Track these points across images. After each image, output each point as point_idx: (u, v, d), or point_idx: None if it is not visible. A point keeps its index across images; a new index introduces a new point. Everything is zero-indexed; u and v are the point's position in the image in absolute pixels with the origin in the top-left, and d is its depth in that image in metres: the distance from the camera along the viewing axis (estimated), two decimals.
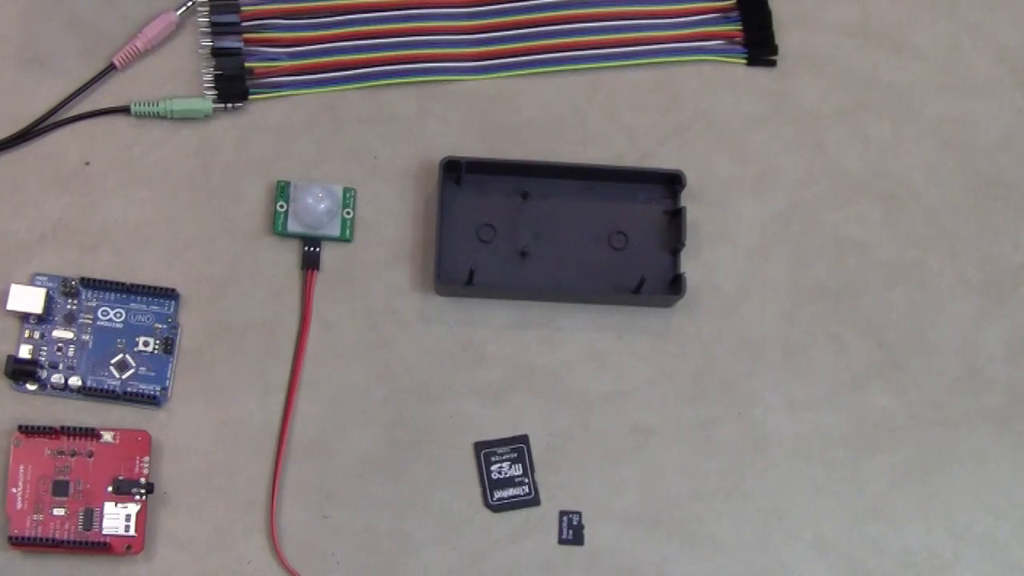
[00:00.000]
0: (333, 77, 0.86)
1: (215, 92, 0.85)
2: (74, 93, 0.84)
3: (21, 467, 0.77)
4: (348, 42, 0.86)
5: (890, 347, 0.84)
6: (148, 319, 0.81)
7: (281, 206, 0.83)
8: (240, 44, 0.85)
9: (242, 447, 0.80)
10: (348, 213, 0.83)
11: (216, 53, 0.85)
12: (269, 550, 0.79)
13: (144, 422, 0.80)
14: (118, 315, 0.81)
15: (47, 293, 0.80)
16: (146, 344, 0.81)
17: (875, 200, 0.87)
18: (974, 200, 0.87)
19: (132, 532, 0.77)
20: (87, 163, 0.84)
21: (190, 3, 0.86)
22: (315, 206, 0.82)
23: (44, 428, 0.78)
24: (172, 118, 0.84)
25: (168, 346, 0.80)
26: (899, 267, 0.86)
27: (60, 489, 0.77)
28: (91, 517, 0.77)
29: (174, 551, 0.78)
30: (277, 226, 0.83)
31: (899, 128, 0.88)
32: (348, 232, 0.83)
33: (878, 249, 0.86)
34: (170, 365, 0.80)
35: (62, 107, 0.84)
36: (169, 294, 0.81)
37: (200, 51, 0.85)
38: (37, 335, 0.80)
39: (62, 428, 0.78)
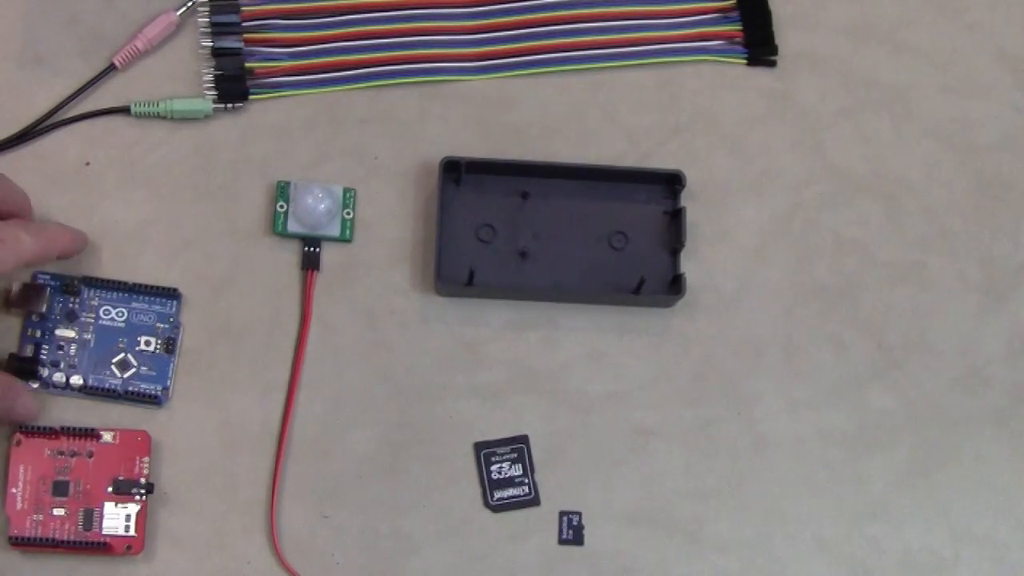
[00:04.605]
0: (333, 77, 0.86)
1: (215, 92, 0.85)
2: (74, 93, 0.84)
3: (21, 467, 0.77)
4: (348, 42, 0.86)
5: (890, 347, 0.84)
6: (150, 319, 0.81)
7: (281, 206, 0.83)
8: (240, 44, 0.85)
9: (242, 447, 0.80)
10: (348, 213, 0.83)
11: (216, 53, 0.85)
12: (269, 550, 0.79)
13: (144, 422, 0.80)
14: (120, 314, 0.81)
15: (49, 291, 0.80)
16: (148, 344, 0.80)
17: (875, 200, 0.87)
18: (974, 200, 0.87)
19: (132, 532, 0.77)
20: (87, 163, 0.84)
21: (190, 3, 0.86)
22: (315, 206, 0.82)
23: (44, 428, 0.78)
24: (172, 118, 0.84)
25: (169, 346, 0.80)
26: (899, 267, 0.86)
27: (60, 489, 0.77)
28: (91, 517, 0.77)
29: (174, 551, 0.78)
30: (277, 226, 0.83)
31: (899, 128, 0.88)
32: (348, 232, 0.83)
33: (878, 249, 0.86)
34: (171, 365, 0.80)
35: (62, 107, 0.84)
36: (171, 294, 0.81)
37: (200, 51, 0.85)
38: (39, 333, 0.80)
39: (62, 428, 0.78)
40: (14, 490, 0.77)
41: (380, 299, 0.83)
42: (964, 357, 0.84)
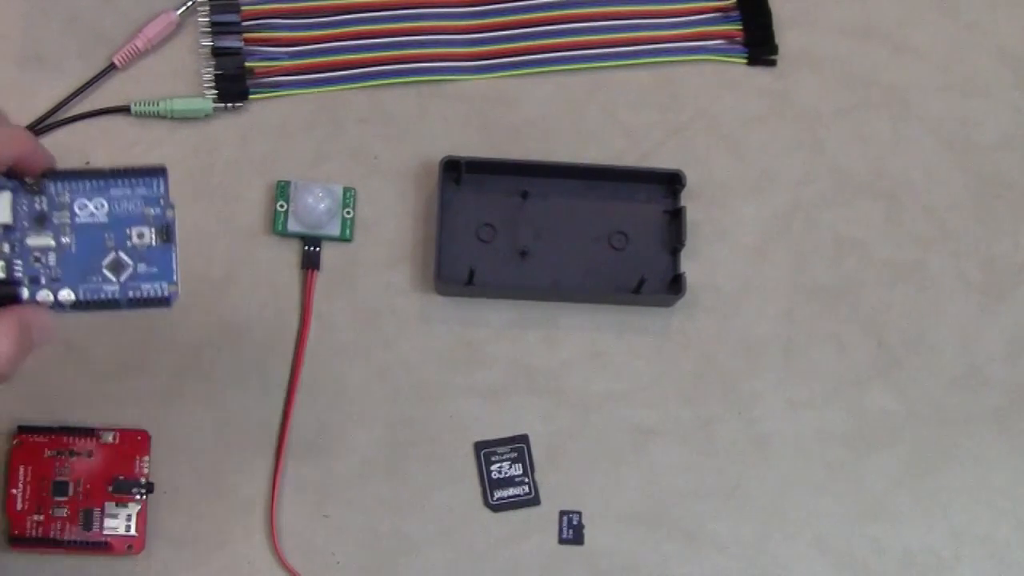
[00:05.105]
0: (333, 77, 0.86)
1: (215, 92, 0.85)
2: (74, 93, 0.84)
3: (21, 468, 0.77)
4: (348, 42, 0.86)
5: (890, 347, 0.84)
6: (136, 205, 0.66)
7: (281, 206, 0.83)
8: (240, 44, 0.85)
9: (242, 446, 0.80)
10: (348, 213, 0.83)
11: (216, 53, 0.85)
12: (269, 550, 0.79)
13: (144, 422, 0.80)
14: (99, 206, 0.65)
15: (11, 197, 0.65)
16: (140, 236, 0.66)
17: (875, 199, 0.87)
18: (974, 200, 0.87)
19: (133, 532, 0.77)
20: (87, 163, 0.84)
21: (190, 3, 0.86)
22: (315, 206, 0.82)
23: (44, 428, 0.78)
24: (172, 118, 0.84)
25: (166, 233, 0.66)
26: (899, 267, 0.86)
27: (60, 489, 0.77)
28: (91, 517, 0.77)
29: (174, 551, 0.78)
30: (277, 226, 0.83)
31: (899, 128, 0.88)
32: (348, 232, 0.83)
33: (878, 249, 0.86)
34: (173, 255, 0.66)
35: (62, 107, 0.84)
36: (156, 171, 0.66)
37: (200, 51, 0.85)
38: (6, 248, 0.64)
39: (62, 428, 0.78)
40: (14, 490, 0.77)
41: (380, 299, 0.83)
42: (964, 357, 0.84)
